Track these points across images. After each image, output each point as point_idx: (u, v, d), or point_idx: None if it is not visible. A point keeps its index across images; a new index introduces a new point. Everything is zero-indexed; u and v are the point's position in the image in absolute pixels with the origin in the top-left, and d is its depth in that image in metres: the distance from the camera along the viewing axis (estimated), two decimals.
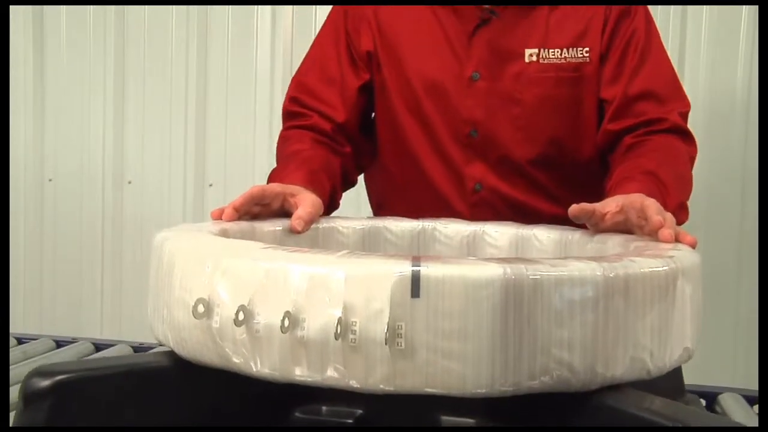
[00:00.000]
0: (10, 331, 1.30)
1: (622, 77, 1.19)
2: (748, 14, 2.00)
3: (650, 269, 0.66)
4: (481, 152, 1.21)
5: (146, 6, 2.32)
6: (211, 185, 2.34)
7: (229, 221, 0.93)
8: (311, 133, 1.23)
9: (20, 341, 1.32)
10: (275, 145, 2.21)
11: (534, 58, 1.19)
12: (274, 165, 2.14)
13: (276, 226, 0.98)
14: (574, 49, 1.19)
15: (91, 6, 2.35)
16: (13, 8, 2.33)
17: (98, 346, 1.30)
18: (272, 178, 1.15)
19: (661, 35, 1.96)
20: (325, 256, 0.63)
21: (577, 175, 1.24)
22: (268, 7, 2.25)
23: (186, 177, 2.34)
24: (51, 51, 2.40)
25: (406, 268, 0.60)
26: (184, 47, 2.31)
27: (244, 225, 0.93)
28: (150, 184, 2.37)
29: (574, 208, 0.92)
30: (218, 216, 0.94)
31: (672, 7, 2.02)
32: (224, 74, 2.30)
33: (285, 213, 1.01)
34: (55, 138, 2.42)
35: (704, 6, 2.02)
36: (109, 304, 2.41)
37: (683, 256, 0.72)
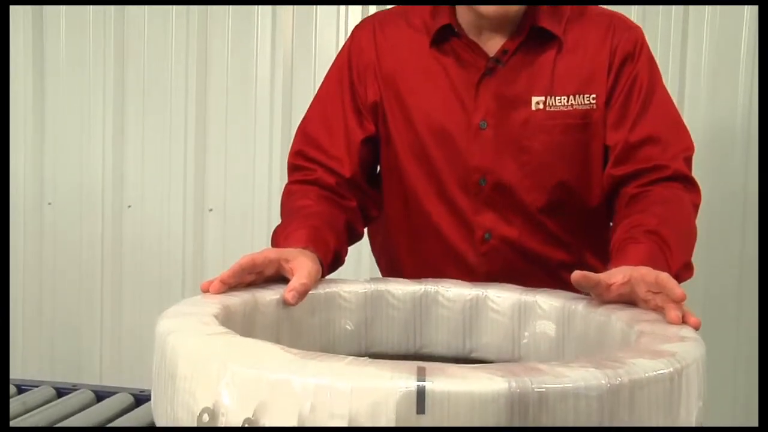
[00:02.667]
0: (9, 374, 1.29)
1: (626, 122, 1.19)
2: (748, 34, 2.01)
3: (654, 372, 0.66)
4: (490, 200, 1.21)
5: (146, 30, 2.32)
6: (211, 210, 2.34)
7: (217, 293, 0.91)
8: (316, 188, 1.22)
9: (20, 389, 1.31)
10: (275, 171, 2.24)
11: (541, 106, 1.19)
12: (272, 189, 2.14)
13: (278, 293, 0.97)
14: (581, 96, 1.19)
15: (91, 29, 2.34)
16: (13, 32, 2.33)
17: (99, 395, 1.30)
18: (276, 234, 1.14)
19: (662, 61, 1.99)
20: (331, 365, 0.63)
21: (586, 221, 1.25)
22: (268, 31, 2.25)
23: (186, 202, 2.34)
24: (50, 74, 2.40)
25: (411, 383, 0.60)
26: (183, 72, 2.31)
27: (246, 297, 0.93)
28: (150, 209, 2.37)
29: (576, 275, 0.92)
30: (207, 288, 0.92)
31: (672, 32, 2.03)
32: (224, 99, 2.31)
33: (281, 278, 1.00)
34: (54, 161, 2.42)
35: (705, 24, 2.03)
36: (108, 339, 2.41)
37: (687, 352, 0.72)
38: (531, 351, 1.03)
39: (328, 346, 1.04)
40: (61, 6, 2.36)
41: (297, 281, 0.95)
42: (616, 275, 0.93)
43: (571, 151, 1.20)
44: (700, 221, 1.18)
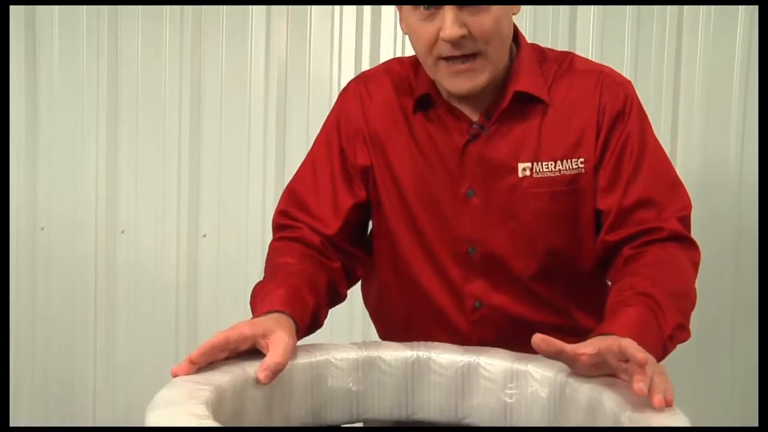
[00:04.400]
0: None
1: (618, 186, 1.16)
2: (739, 78, 2.01)
3: None
4: (479, 269, 1.19)
5: (139, 55, 2.31)
6: (204, 236, 2.33)
7: (187, 374, 0.88)
8: (300, 245, 1.20)
9: None
10: (268, 196, 2.24)
11: (527, 173, 1.16)
12: (266, 215, 2.15)
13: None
14: (569, 160, 1.16)
15: (84, 55, 2.33)
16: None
17: None
18: (255, 291, 1.12)
19: (655, 99, 2.00)
20: None
21: (578, 285, 1.23)
22: (262, 58, 2.24)
23: (179, 227, 2.33)
24: (43, 98, 2.39)
25: None
26: (177, 97, 2.30)
27: (237, 371, 0.92)
28: (143, 234, 2.36)
29: (536, 339, 0.90)
30: (176, 373, 0.89)
31: (665, 72, 2.03)
32: (217, 124, 2.29)
33: (257, 351, 0.96)
34: (47, 186, 2.41)
35: (696, 71, 2.03)
36: (102, 366, 2.41)
37: None
38: (523, 419, 1.03)
39: (321, 413, 1.04)
40: (54, 31, 2.35)
41: (271, 359, 0.93)
42: (586, 346, 0.91)
43: (560, 218, 1.18)
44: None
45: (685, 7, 2.00)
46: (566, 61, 1.21)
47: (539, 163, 1.16)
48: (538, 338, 0.89)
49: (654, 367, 0.87)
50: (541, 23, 2.04)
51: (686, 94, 2.03)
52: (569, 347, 0.90)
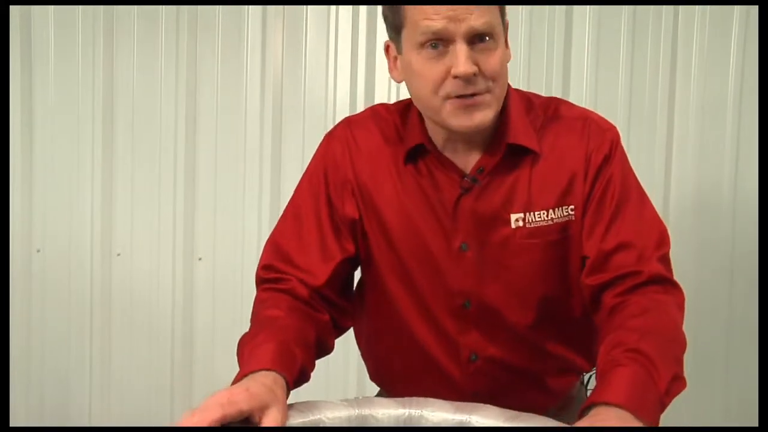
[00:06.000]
0: None
1: (598, 229, 1.15)
2: (733, 99, 2.01)
3: None
4: (475, 322, 1.19)
5: (135, 78, 2.30)
6: (200, 259, 2.33)
7: None
8: (288, 297, 1.16)
9: None
10: (264, 219, 2.23)
11: (520, 223, 1.15)
12: (262, 238, 2.14)
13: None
14: (560, 208, 1.16)
15: (80, 76, 2.33)
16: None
17: None
18: (243, 343, 1.09)
19: (649, 121, 2.00)
20: None
21: (572, 330, 1.23)
22: (257, 84, 2.24)
23: (175, 250, 2.33)
24: (40, 120, 2.39)
25: None
26: (173, 120, 2.29)
27: None
28: (139, 257, 2.36)
29: None
30: None
31: (659, 93, 2.03)
32: (213, 148, 2.29)
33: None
34: (43, 208, 2.40)
35: (691, 93, 2.03)
36: (97, 387, 2.41)
37: None
38: None
39: None
40: (51, 53, 2.35)
41: None
42: None
43: (553, 266, 1.17)
44: (688, 284, 1.15)
45: (680, 26, 2.01)
46: (551, 107, 1.20)
47: (531, 213, 1.16)
48: None
49: None
50: (535, 63, 2.03)
51: (681, 116, 2.03)
52: None
